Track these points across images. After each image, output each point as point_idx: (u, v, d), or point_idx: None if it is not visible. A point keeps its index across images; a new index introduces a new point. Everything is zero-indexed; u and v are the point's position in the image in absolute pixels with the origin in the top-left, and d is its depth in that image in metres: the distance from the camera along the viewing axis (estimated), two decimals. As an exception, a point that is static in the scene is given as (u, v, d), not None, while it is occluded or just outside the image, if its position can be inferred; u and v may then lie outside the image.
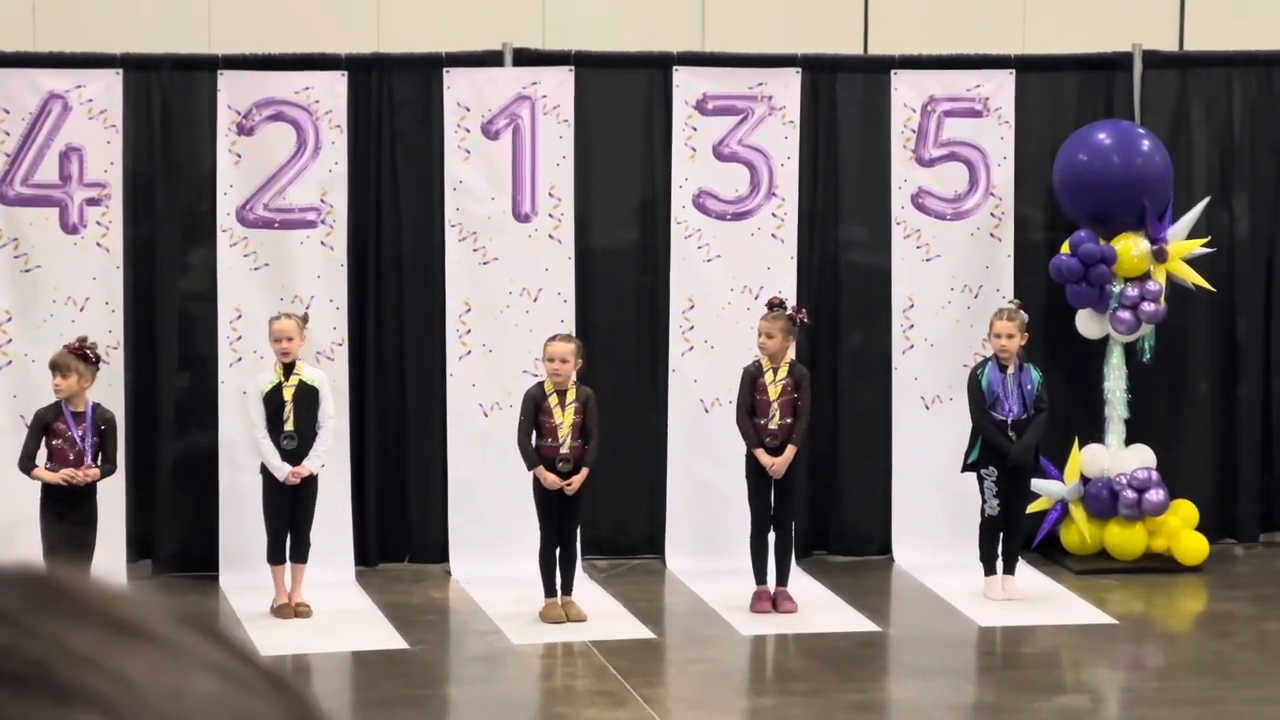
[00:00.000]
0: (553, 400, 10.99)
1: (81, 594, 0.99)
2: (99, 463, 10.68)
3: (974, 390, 11.52)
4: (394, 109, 12.18)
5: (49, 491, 10.61)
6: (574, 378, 11.03)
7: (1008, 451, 11.39)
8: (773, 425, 11.25)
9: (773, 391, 11.25)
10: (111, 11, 12.43)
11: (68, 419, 10.63)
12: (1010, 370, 11.50)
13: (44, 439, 10.67)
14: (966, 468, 11.58)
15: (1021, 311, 11.58)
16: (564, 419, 10.97)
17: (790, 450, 11.23)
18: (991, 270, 12.46)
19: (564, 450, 10.96)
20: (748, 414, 11.30)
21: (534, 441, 11.03)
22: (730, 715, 9.92)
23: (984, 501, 11.52)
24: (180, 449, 12.07)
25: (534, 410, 11.02)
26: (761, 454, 11.24)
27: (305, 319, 11.29)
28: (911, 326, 12.44)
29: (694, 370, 12.26)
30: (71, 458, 10.59)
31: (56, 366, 10.64)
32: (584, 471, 11.00)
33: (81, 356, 10.67)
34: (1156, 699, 10.06)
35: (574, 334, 11.52)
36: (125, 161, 11.78)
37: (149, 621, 1.00)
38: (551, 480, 10.94)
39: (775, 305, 11.33)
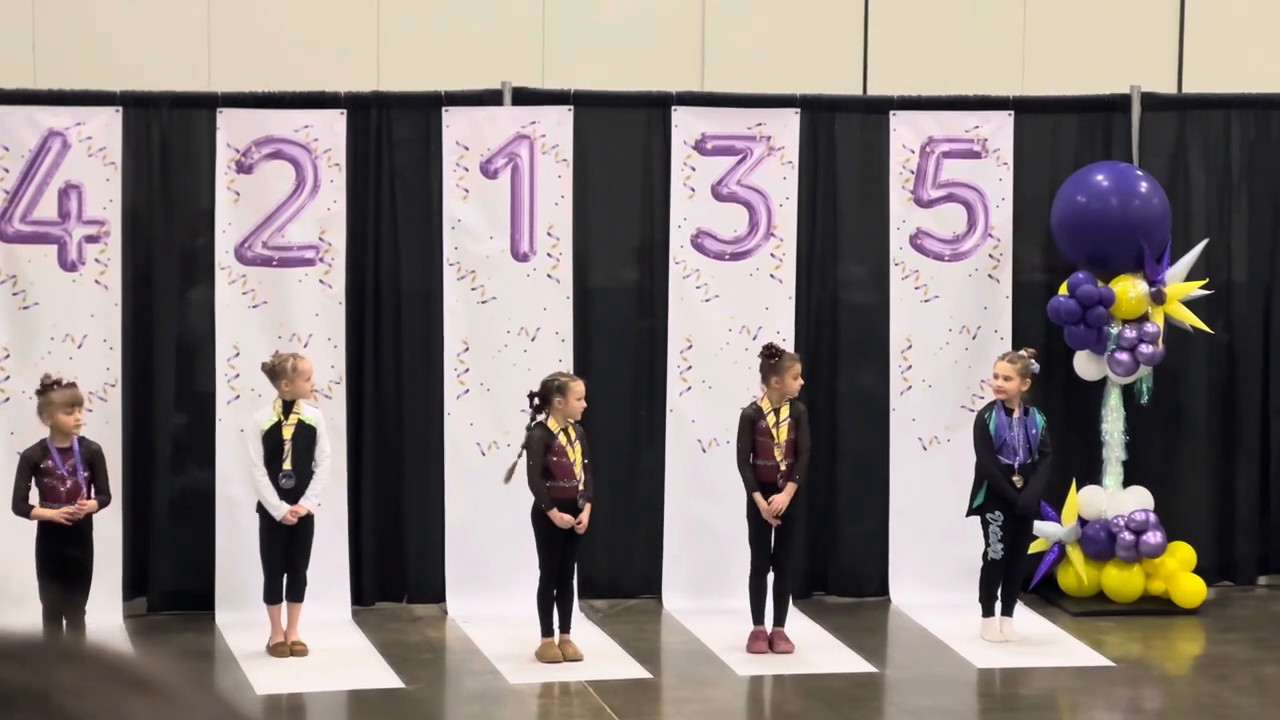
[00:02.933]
0: (562, 439, 10.96)
1: (96, 651, 1.03)
2: (93, 495, 10.66)
3: (981, 435, 11.49)
4: (393, 147, 12.19)
5: (45, 529, 10.58)
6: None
7: (1015, 500, 11.37)
8: (783, 466, 11.23)
9: (779, 434, 11.23)
10: (111, 49, 12.45)
11: (55, 456, 10.60)
12: (1016, 414, 11.48)
13: (33, 479, 10.62)
14: (972, 511, 11.55)
15: (1033, 361, 11.50)
16: (576, 457, 10.97)
17: (790, 487, 11.20)
18: (990, 311, 12.47)
19: (582, 488, 10.95)
20: (748, 458, 11.27)
21: (546, 483, 10.97)
22: (727, 756, 9.89)
23: (987, 545, 11.49)
24: (177, 487, 12.05)
25: (545, 452, 10.96)
26: (759, 499, 11.21)
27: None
28: (910, 367, 12.44)
29: (692, 410, 12.25)
30: (64, 493, 10.55)
31: (77, 404, 10.61)
32: (588, 507, 10.99)
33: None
34: (1154, 742, 10.02)
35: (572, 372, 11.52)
36: (124, 199, 11.78)
37: (154, 673, 1.03)
38: (567, 520, 10.89)
39: (776, 353, 11.23)
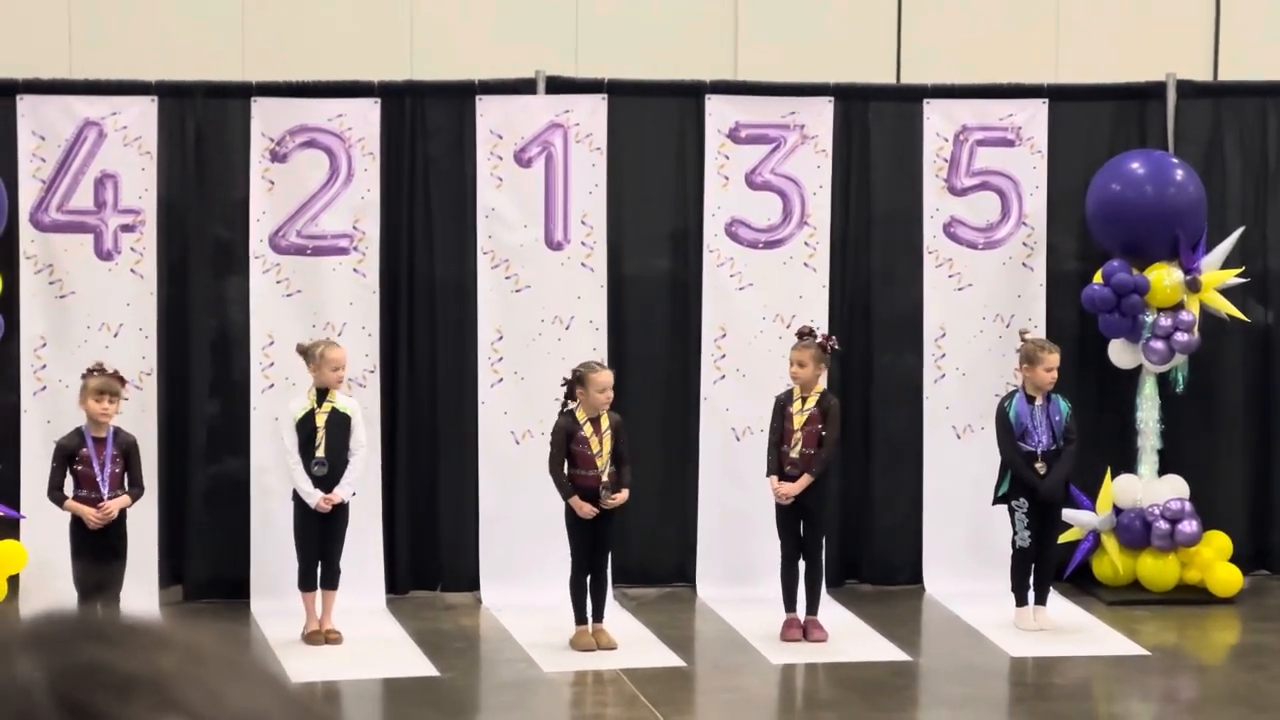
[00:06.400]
0: (588, 429, 10.97)
1: (188, 635, 1.07)
2: (127, 487, 10.70)
3: (1002, 422, 11.49)
4: (426, 136, 12.21)
5: (79, 518, 10.62)
6: (605, 404, 11.06)
7: (1037, 487, 11.36)
8: (794, 454, 11.22)
9: (798, 420, 11.23)
10: (146, 39, 12.49)
11: (90, 446, 10.64)
12: (1039, 401, 11.46)
13: (68, 468, 10.66)
14: (998, 500, 11.55)
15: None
16: (603, 447, 10.97)
17: (804, 479, 11.17)
18: (1024, 300, 12.44)
19: (605, 478, 10.95)
20: (776, 442, 11.28)
21: (569, 471, 11.02)
22: (760, 745, 9.89)
23: (1015, 533, 11.48)
24: (212, 475, 12.09)
25: (566, 440, 11.00)
26: (773, 481, 11.22)
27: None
28: (943, 356, 12.43)
29: (725, 399, 12.25)
30: (99, 482, 10.59)
31: (107, 392, 10.65)
32: (625, 492, 10.98)
33: (121, 381, 10.75)
34: (1189, 731, 10.00)
35: (605, 362, 11.53)
36: (159, 188, 11.82)
37: (244, 658, 1.07)
38: (588, 510, 10.92)
39: (805, 334, 11.33)
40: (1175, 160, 12.46)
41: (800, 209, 12.30)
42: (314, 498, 11.06)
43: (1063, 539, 12.07)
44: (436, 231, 12.26)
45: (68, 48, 12.47)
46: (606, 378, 10.94)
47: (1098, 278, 12.26)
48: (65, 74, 12.10)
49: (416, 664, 10.82)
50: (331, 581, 11.18)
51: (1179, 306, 12.30)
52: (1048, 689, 10.71)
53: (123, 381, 10.79)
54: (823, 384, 11.39)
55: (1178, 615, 12.02)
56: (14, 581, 11.37)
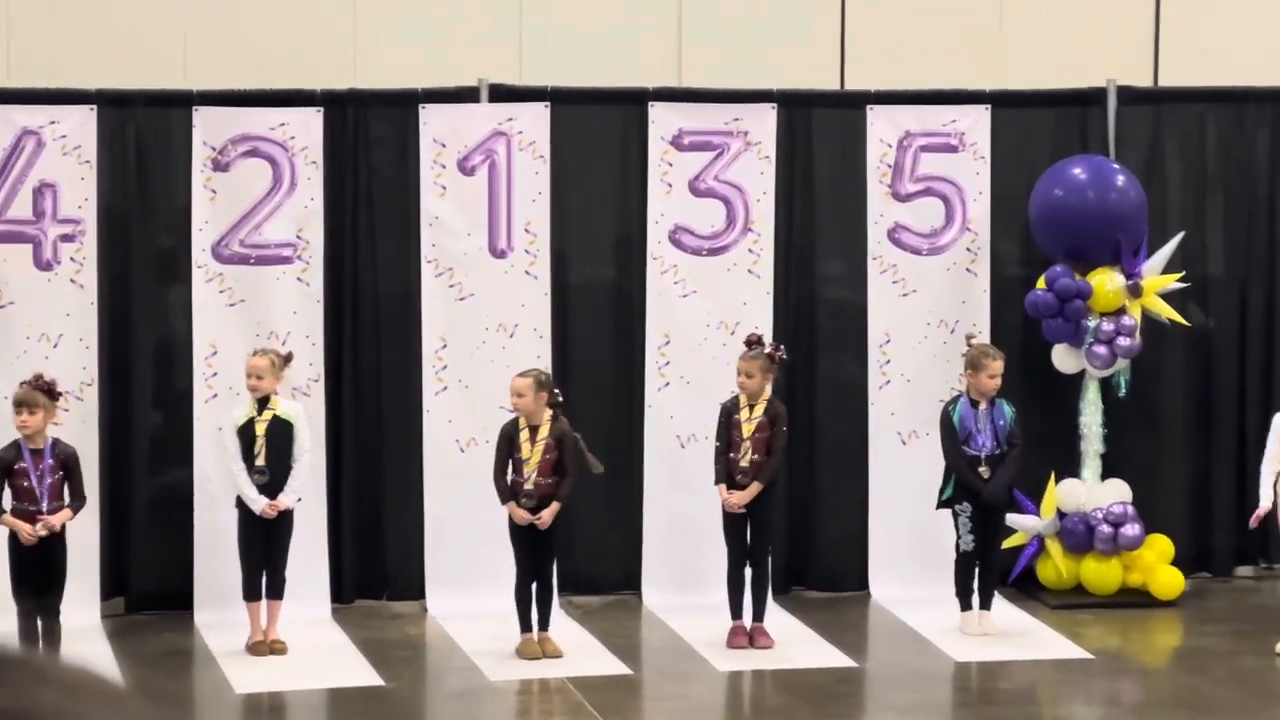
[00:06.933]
0: (524, 435, 10.99)
1: (66, 669, 1.04)
2: (67, 500, 10.59)
3: (946, 427, 11.52)
4: (370, 145, 12.18)
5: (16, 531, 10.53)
6: (547, 414, 11.01)
7: (981, 491, 11.39)
8: (744, 462, 11.23)
9: (747, 429, 11.23)
10: (86, 47, 12.42)
11: (27, 458, 10.53)
12: (982, 406, 11.50)
13: (5, 480, 10.56)
14: (941, 504, 11.57)
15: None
16: (532, 454, 10.96)
17: (754, 487, 11.18)
18: (968, 305, 12.48)
19: (528, 486, 10.94)
20: (724, 450, 11.28)
21: (511, 477, 11.02)
22: (707, 752, 9.88)
23: (959, 537, 11.51)
24: (155, 486, 12.02)
25: (507, 445, 11.02)
26: (722, 489, 11.23)
27: (288, 359, 11.21)
28: (888, 361, 12.45)
29: (671, 406, 12.25)
30: (37, 494, 10.50)
31: (24, 404, 10.55)
32: (554, 506, 10.97)
33: (47, 392, 10.61)
34: (1134, 734, 10.03)
35: (545, 370, 11.47)
36: (99, 198, 11.75)
37: (119, 689, 1.04)
38: (520, 515, 10.93)
39: (753, 343, 11.33)
40: (1116, 166, 12.52)
41: (744, 216, 12.31)
42: (259, 504, 11.01)
43: (1007, 544, 12.11)
44: (380, 240, 12.22)
45: (5, 55, 12.40)
46: (514, 383, 11.00)
47: (1040, 283, 12.31)
48: (3, 83, 12.03)
49: (362, 674, 10.78)
50: (277, 591, 11.12)
51: (1121, 311, 12.36)
52: (992, 693, 10.74)
53: (51, 395, 10.63)
54: (769, 392, 11.39)
55: (1121, 618, 12.07)
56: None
